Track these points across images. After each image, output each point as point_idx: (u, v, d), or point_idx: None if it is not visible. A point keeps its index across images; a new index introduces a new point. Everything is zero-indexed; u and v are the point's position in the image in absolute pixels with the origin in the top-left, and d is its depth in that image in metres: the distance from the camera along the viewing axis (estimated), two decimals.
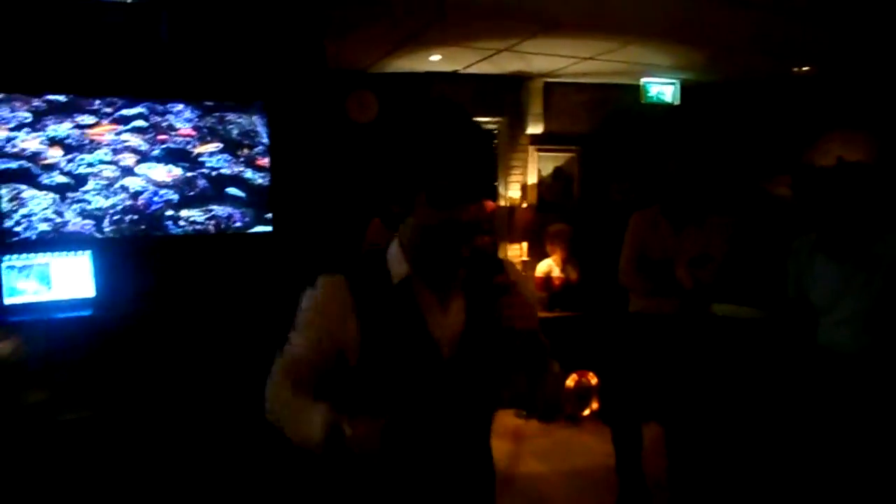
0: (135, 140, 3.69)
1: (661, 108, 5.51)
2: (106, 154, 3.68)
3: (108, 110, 3.65)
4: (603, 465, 3.81)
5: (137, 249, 3.73)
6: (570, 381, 4.74)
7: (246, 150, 3.81)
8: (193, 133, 3.75)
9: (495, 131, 5.70)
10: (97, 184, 3.67)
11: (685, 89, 5.50)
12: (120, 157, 3.69)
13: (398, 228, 1.30)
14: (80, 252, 3.63)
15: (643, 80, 5.36)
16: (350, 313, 1.24)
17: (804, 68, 5.23)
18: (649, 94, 5.39)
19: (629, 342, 3.42)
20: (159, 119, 3.71)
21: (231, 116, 3.78)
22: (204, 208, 3.77)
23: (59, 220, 3.65)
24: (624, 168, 5.99)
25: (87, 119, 3.64)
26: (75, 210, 3.67)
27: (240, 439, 3.34)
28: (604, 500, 3.51)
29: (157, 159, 3.73)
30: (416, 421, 1.21)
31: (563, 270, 5.33)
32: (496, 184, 5.68)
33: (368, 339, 1.24)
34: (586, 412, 4.84)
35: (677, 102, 5.51)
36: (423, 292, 1.28)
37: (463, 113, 1.24)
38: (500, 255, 5.55)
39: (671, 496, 3.33)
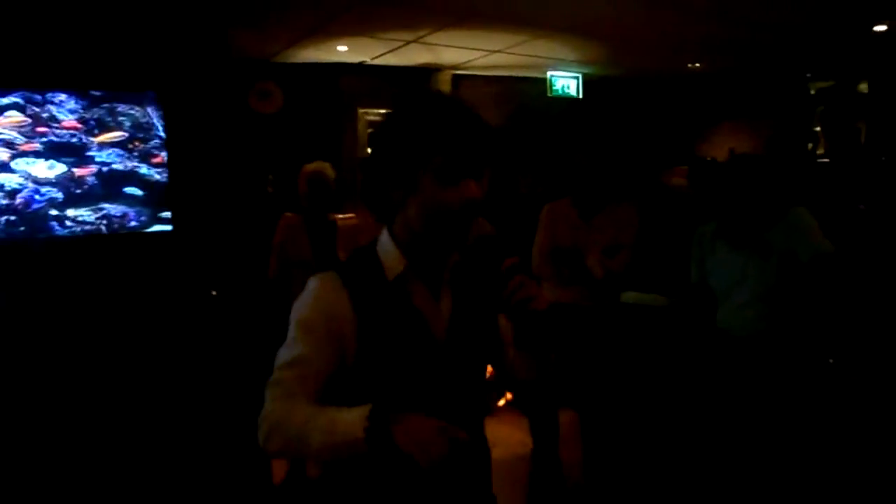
0: (9, 133, 3.34)
1: (566, 101, 5.64)
2: None
3: None
4: (518, 454, 3.86)
5: (16, 253, 3.38)
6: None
7: (140, 144, 3.54)
8: (79, 125, 3.44)
9: None
10: None
11: (586, 83, 5.66)
12: None
13: (389, 221, 1.25)
14: None
15: (549, 74, 5.47)
16: (348, 311, 1.19)
17: (697, 64, 5.51)
18: (555, 88, 5.51)
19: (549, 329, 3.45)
20: (38, 109, 3.37)
21: (122, 108, 3.49)
22: (94, 207, 3.48)
23: None
24: (531, 161, 6.09)
25: None
26: None
27: (139, 449, 3.12)
28: (516, 491, 3.55)
29: (38, 154, 3.39)
30: (415, 409, 1.15)
31: None
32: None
33: (366, 335, 1.19)
34: (501, 402, 4.90)
35: (580, 96, 5.66)
36: (417, 285, 1.25)
37: (457, 98, 1.25)
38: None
39: (586, 482, 3.41)
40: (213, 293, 3.59)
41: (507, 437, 4.43)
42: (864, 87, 5.30)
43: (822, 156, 5.48)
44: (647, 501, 3.23)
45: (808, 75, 5.56)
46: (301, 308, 1.22)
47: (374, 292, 1.21)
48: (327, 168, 3.23)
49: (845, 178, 4.87)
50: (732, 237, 2.59)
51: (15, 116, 3.39)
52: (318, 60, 5.02)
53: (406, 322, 1.22)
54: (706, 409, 2.96)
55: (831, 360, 3.13)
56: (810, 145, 5.57)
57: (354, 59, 5.04)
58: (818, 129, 5.69)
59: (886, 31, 4.43)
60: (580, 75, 5.58)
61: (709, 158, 6.01)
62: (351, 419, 1.07)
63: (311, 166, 3.23)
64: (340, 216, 3.52)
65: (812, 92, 5.62)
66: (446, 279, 1.28)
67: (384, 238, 1.26)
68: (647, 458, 3.53)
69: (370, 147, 1.28)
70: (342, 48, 4.65)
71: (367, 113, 5.56)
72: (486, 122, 1.23)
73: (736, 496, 2.71)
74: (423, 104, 1.20)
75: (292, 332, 1.21)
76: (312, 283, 1.23)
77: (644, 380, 3.63)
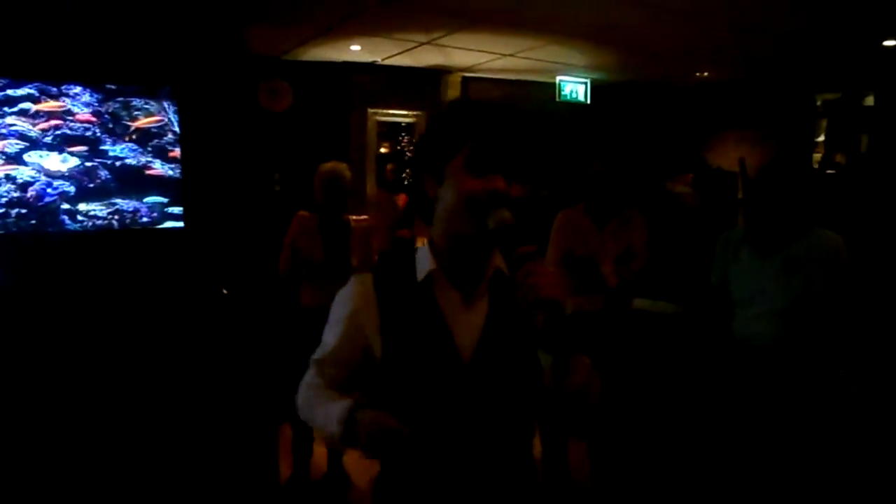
0: (23, 124, 3.29)
1: (573, 106, 5.65)
2: None
3: None
4: None
5: (27, 247, 3.34)
6: None
7: (155, 139, 3.50)
8: (93, 119, 3.39)
9: (413, 125, 5.63)
10: None
11: (594, 89, 5.67)
12: (4, 143, 3.28)
13: (427, 219, 1.25)
14: None
15: (558, 79, 5.47)
16: (374, 311, 1.22)
17: (705, 73, 5.53)
18: (564, 93, 5.51)
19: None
20: (52, 102, 3.33)
21: (137, 102, 3.46)
22: (106, 202, 3.43)
23: None
24: (537, 165, 6.09)
25: None
26: None
27: (146, 448, 3.09)
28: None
29: (50, 147, 3.35)
30: (437, 427, 1.17)
31: None
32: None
33: (390, 337, 1.20)
34: None
35: (588, 101, 5.67)
36: (448, 289, 1.21)
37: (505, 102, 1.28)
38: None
39: (593, 488, 3.42)
40: (224, 291, 3.56)
41: None
42: (870, 100, 5.35)
43: (826, 167, 5.53)
44: None
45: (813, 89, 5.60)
46: (337, 302, 1.29)
47: (400, 293, 1.22)
48: (344, 168, 3.22)
49: (851, 189, 4.92)
50: (759, 245, 2.58)
51: (29, 108, 3.34)
52: (329, 59, 5.00)
53: (428, 323, 1.19)
54: (718, 417, 2.97)
55: (842, 371, 3.15)
56: (816, 157, 5.61)
57: (366, 58, 5.03)
58: (821, 139, 5.74)
59: None
60: (588, 80, 5.60)
61: (714, 167, 6.05)
62: (336, 410, 1.17)
63: (328, 166, 3.21)
64: (354, 217, 3.50)
65: (818, 103, 5.66)
66: (483, 288, 1.23)
67: (425, 243, 1.27)
68: (655, 465, 3.54)
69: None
70: (355, 47, 4.64)
71: (376, 113, 5.55)
72: (536, 127, 1.24)
73: (741, 500, 2.72)
74: (464, 102, 1.26)
75: (329, 323, 1.29)
76: (349, 283, 1.28)
77: (654, 386, 3.64)
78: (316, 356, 1.31)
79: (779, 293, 2.55)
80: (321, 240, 3.14)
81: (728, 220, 5.42)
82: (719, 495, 2.87)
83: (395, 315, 1.20)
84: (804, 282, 2.47)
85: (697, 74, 5.57)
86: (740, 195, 5.65)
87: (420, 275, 1.21)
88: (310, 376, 1.31)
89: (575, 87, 5.59)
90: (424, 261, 1.23)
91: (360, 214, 3.54)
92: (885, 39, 4.38)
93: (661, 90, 6.18)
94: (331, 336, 1.28)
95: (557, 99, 5.53)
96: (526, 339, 1.19)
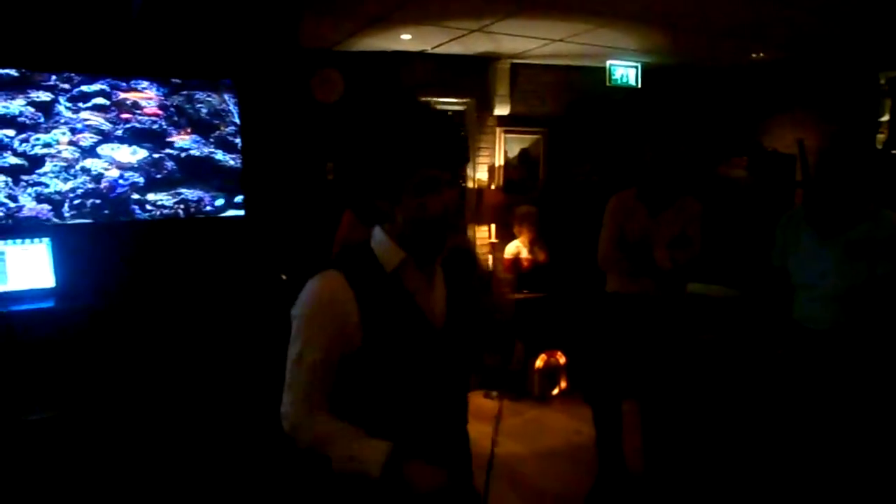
0: (96, 119, 3.48)
1: (624, 90, 5.58)
2: (64, 134, 3.45)
3: (66, 86, 3.42)
4: (574, 443, 3.89)
5: (101, 236, 3.53)
6: (539, 362, 4.81)
7: (217, 131, 3.65)
8: (160, 112, 3.56)
9: (463, 112, 5.66)
10: (55, 165, 3.45)
11: (645, 72, 5.59)
12: (79, 136, 3.48)
13: (379, 222, 1.37)
14: (37, 239, 3.40)
15: (608, 63, 5.41)
16: (353, 307, 1.28)
17: (760, 54, 5.39)
18: (614, 77, 5.45)
19: (608, 321, 3.47)
20: (123, 97, 3.50)
21: (200, 95, 3.60)
22: (173, 192, 3.60)
23: (12, 204, 3.41)
24: (588, 150, 6.05)
25: (43, 96, 3.40)
26: (31, 194, 3.44)
27: (217, 432, 3.24)
28: (577, 478, 3.58)
29: (121, 140, 3.52)
30: (419, 388, 1.33)
31: (530, 252, 5.36)
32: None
33: (370, 327, 1.29)
34: (555, 391, 4.92)
35: (639, 85, 5.59)
36: (414, 274, 1.36)
37: (423, 103, 1.41)
38: (470, 236, 5.54)
39: (646, 474, 3.42)
40: (283, 277, 3.69)
41: (561, 425, 4.46)
42: None
43: (891, 148, 5.33)
44: (708, 491, 3.22)
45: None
46: (307, 306, 1.30)
47: (375, 285, 1.31)
48: None
49: None
50: (820, 228, 2.54)
51: (102, 103, 3.52)
52: (380, 49, 5.07)
53: (406, 311, 1.32)
54: (775, 402, 2.94)
55: None
56: (880, 137, 5.40)
57: (416, 47, 5.08)
58: (885, 119, 5.52)
59: None
60: (640, 64, 5.52)
61: (770, 150, 5.90)
62: (372, 451, 1.23)
63: None
64: None
65: (882, 82, 5.44)
66: (437, 269, 1.40)
67: (379, 235, 1.36)
68: (709, 452, 3.52)
69: (353, 157, 1.39)
70: (406, 36, 4.69)
71: (427, 101, 5.59)
72: (458, 126, 1.33)
73: (796, 492, 2.69)
74: (403, 117, 1.29)
75: (300, 329, 1.30)
76: (316, 282, 1.31)
77: (710, 372, 3.61)
78: (301, 375, 1.31)
79: (840, 276, 2.52)
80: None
81: (784, 203, 5.28)
82: (773, 484, 2.85)
83: (372, 306, 1.29)
84: (867, 265, 2.43)
85: (753, 55, 5.42)
86: (798, 177, 5.50)
87: (388, 266, 1.33)
88: (301, 393, 1.31)
89: (626, 72, 5.51)
90: (390, 253, 1.33)
91: None
92: None
93: (714, 72, 6.04)
94: (315, 351, 1.29)
95: (608, 83, 5.47)
96: (469, 296, 1.45)
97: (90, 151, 3.54)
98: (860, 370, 2.55)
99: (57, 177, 3.47)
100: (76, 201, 3.52)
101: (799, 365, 2.73)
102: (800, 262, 2.64)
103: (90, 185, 3.54)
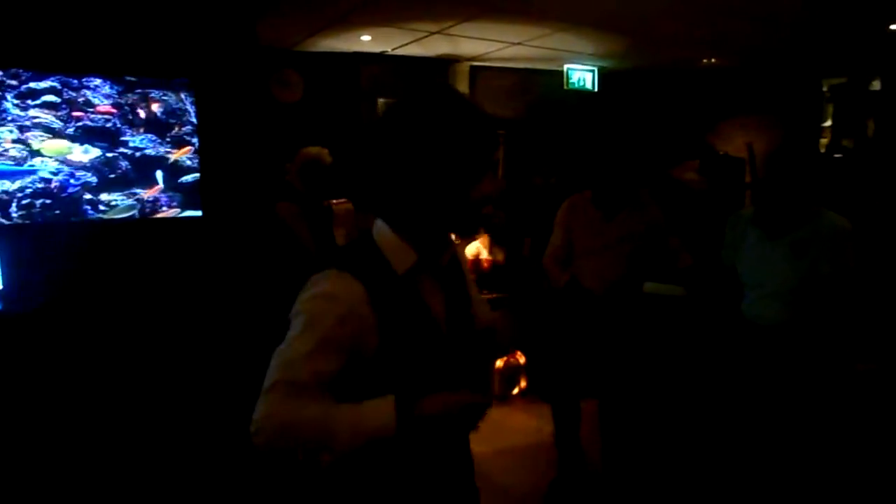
0: (46, 116, 3.37)
1: (581, 94, 5.69)
2: (11, 132, 3.34)
3: (13, 83, 3.31)
4: (536, 441, 3.94)
5: (51, 237, 3.42)
6: (500, 362, 4.85)
7: (173, 130, 3.58)
8: (114, 111, 3.47)
9: None
10: (2, 164, 3.33)
11: (602, 76, 5.71)
12: (28, 135, 3.37)
13: (395, 215, 1.27)
14: None
15: (566, 67, 5.51)
16: (366, 309, 1.19)
17: (712, 60, 5.56)
18: (572, 81, 5.55)
19: (564, 319, 3.52)
20: (74, 94, 3.40)
21: (155, 94, 3.53)
22: (127, 192, 3.51)
23: None
24: (547, 152, 6.14)
25: None
26: None
27: (166, 436, 3.17)
28: (539, 474, 3.63)
29: (73, 138, 3.42)
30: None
31: (490, 253, 5.41)
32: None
33: (387, 334, 1.21)
34: (515, 391, 4.97)
35: (596, 89, 5.71)
36: (426, 278, 1.29)
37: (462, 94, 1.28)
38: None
39: (604, 469, 3.49)
40: (242, 278, 3.64)
41: (522, 424, 4.51)
42: (876, 84, 5.37)
43: (834, 152, 5.56)
44: (666, 490, 3.31)
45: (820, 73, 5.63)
46: (315, 307, 1.18)
47: (389, 289, 1.22)
48: (325, 154, 3.23)
49: (858, 173, 4.95)
50: (767, 228, 2.63)
51: (52, 100, 3.41)
52: (340, 50, 5.06)
53: (422, 317, 1.25)
54: (726, 398, 3.03)
55: (860, 367, 3.18)
56: (823, 141, 5.64)
57: (376, 48, 5.08)
58: (828, 124, 5.76)
59: None
60: (596, 68, 5.63)
61: (721, 153, 6.09)
62: (377, 408, 1.12)
63: (313, 151, 3.22)
64: (335, 201, 3.52)
65: (825, 89, 5.68)
66: (441, 272, 1.32)
67: (385, 231, 1.26)
68: (666, 447, 3.61)
69: (374, 144, 1.24)
70: (366, 38, 4.69)
71: (387, 102, 5.60)
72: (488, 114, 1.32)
73: (753, 485, 2.78)
74: (437, 105, 1.20)
75: (303, 330, 1.16)
76: (326, 283, 1.19)
77: (664, 368, 3.70)
78: (297, 372, 1.15)
79: (786, 275, 2.61)
80: (307, 227, 3.15)
81: (735, 205, 5.46)
82: (729, 478, 2.93)
83: (388, 312, 1.20)
84: (811, 264, 2.53)
85: (704, 61, 5.60)
86: (748, 179, 5.69)
87: (399, 267, 1.23)
88: (285, 397, 1.13)
89: (583, 75, 5.62)
90: (398, 251, 1.24)
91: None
92: (892, 23, 4.40)
93: (668, 77, 6.21)
94: (323, 359, 1.17)
95: (565, 87, 5.56)
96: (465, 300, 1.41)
97: (39, 150, 3.43)
98: (807, 365, 2.65)
99: (4, 176, 3.36)
100: (24, 201, 3.41)
101: (748, 360, 2.82)
102: (748, 262, 2.73)
103: (39, 185, 3.43)
